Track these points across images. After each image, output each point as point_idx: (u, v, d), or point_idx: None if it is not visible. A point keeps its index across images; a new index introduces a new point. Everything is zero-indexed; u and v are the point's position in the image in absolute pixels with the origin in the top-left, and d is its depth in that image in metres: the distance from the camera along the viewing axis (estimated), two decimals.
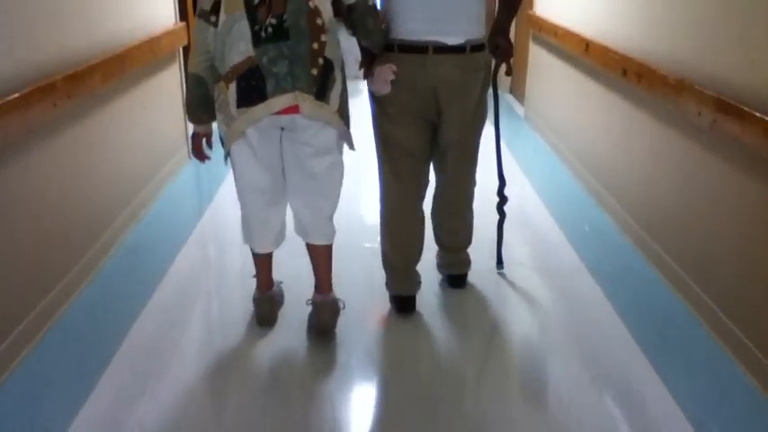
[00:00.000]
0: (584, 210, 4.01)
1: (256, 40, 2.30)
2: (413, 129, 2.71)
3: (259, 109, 2.34)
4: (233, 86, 2.34)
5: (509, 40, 2.71)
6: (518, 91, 6.74)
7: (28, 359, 2.52)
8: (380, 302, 2.94)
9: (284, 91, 2.33)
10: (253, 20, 2.29)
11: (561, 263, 3.35)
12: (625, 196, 3.64)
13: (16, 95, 2.40)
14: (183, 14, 4.80)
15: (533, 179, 4.54)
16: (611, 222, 3.77)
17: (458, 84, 2.62)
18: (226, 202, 4.09)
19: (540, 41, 5.52)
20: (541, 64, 5.54)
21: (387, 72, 2.58)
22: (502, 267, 3.27)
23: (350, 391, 2.42)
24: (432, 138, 2.79)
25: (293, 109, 2.35)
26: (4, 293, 2.45)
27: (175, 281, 3.12)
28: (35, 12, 2.65)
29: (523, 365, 2.59)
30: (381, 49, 2.60)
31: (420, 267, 2.98)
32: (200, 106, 2.50)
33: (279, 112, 2.36)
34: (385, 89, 2.62)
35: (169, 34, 4.23)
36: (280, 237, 2.69)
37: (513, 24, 6.88)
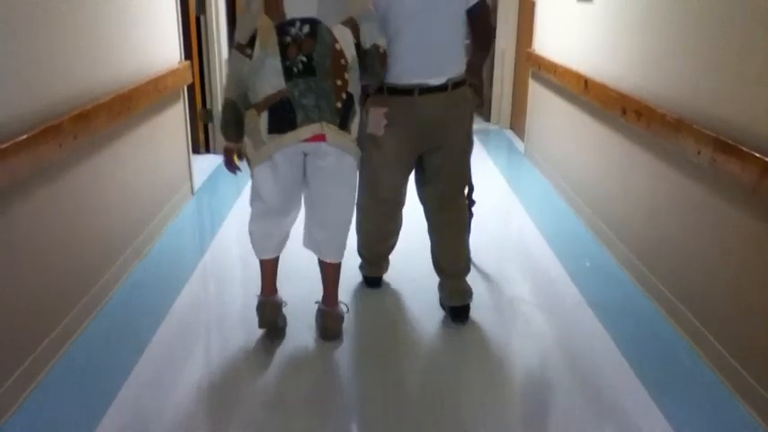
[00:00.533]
0: (585, 245, 4.03)
1: (288, 75, 2.56)
2: (400, 163, 2.97)
3: (288, 136, 2.60)
4: (265, 115, 2.60)
5: (480, 78, 2.98)
6: (518, 127, 6.80)
7: (32, 396, 2.52)
8: (381, 334, 2.98)
9: (312, 121, 2.60)
10: (284, 56, 2.53)
11: (562, 298, 3.37)
12: (625, 232, 3.67)
13: (24, 137, 2.44)
14: (188, 54, 4.87)
15: (534, 214, 4.56)
16: (612, 258, 3.78)
17: (445, 119, 2.86)
18: (229, 239, 4.12)
19: (540, 79, 5.59)
20: (541, 101, 5.61)
21: (380, 117, 2.84)
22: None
23: (350, 430, 2.42)
24: (420, 165, 3.03)
25: (320, 137, 2.60)
26: (9, 331, 2.46)
27: (179, 317, 3.13)
28: (42, 53, 2.70)
29: (525, 400, 2.59)
30: (376, 88, 2.85)
31: (423, 298, 3.20)
32: (231, 127, 2.78)
33: (306, 140, 2.60)
34: (379, 131, 2.87)
35: (174, 73, 4.29)
36: (279, 246, 2.92)
37: (514, 61, 7.03)
